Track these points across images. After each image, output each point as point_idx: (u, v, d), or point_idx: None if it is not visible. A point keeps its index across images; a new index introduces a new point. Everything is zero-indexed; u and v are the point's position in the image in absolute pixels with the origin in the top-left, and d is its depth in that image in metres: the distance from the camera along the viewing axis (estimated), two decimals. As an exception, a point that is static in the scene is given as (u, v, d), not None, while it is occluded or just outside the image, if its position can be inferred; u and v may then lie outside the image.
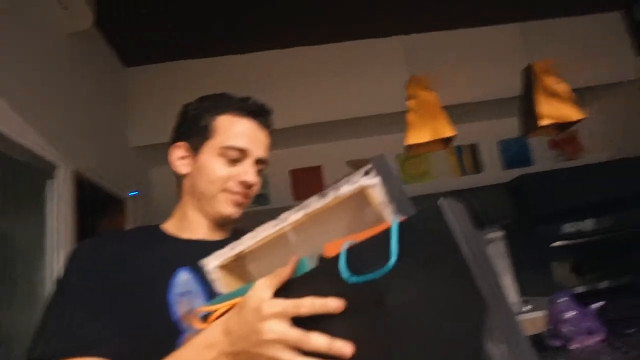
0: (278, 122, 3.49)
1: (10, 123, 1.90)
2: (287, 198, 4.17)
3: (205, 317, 0.65)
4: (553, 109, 1.83)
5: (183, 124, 0.97)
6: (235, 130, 0.90)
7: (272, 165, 4.30)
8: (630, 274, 3.63)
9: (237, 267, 0.73)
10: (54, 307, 0.76)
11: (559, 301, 2.06)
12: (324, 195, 0.60)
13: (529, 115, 1.95)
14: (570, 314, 1.93)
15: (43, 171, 2.19)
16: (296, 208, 0.64)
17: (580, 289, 3.64)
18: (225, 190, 0.90)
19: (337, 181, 0.62)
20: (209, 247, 0.80)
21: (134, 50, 3.42)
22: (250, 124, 0.93)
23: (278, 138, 3.57)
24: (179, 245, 0.91)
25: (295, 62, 3.72)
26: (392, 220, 0.56)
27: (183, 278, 0.83)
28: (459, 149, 4.40)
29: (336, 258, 0.53)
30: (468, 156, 4.41)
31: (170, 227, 0.96)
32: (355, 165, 4.25)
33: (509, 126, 3.72)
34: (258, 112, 0.93)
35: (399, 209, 0.60)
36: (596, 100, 4.26)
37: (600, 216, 3.77)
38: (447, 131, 1.87)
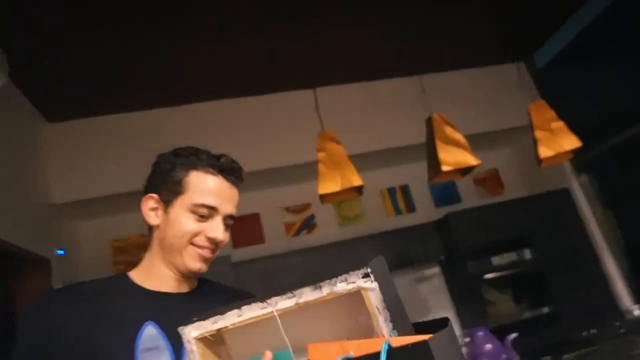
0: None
1: None
2: (228, 246, 4.14)
3: None
4: (451, 156, 2.00)
5: (155, 176, 0.97)
6: (206, 188, 0.92)
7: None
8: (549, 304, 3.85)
9: (215, 340, 0.71)
10: None
11: (478, 334, 2.16)
12: (318, 288, 0.58)
13: (432, 161, 2.11)
14: (488, 347, 2.04)
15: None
16: (288, 294, 0.62)
17: (518, 317, 3.82)
18: (192, 244, 0.92)
19: (333, 276, 0.61)
20: (175, 300, 0.87)
21: (54, 105, 3.37)
22: (221, 182, 0.94)
23: None
24: (146, 298, 0.91)
25: (218, 114, 3.81)
26: (384, 332, 0.56)
27: (149, 333, 0.85)
28: (392, 190, 4.59)
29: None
30: (400, 197, 4.60)
31: (137, 276, 0.96)
32: (293, 210, 4.32)
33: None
34: (229, 171, 0.95)
35: (392, 317, 0.60)
36: (509, 142, 4.64)
37: (524, 248, 4.02)
38: (355, 180, 1.99)
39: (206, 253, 0.93)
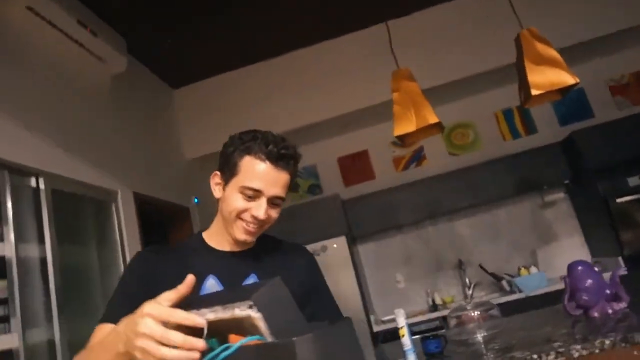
0: (319, 114, 3.63)
1: (68, 166, 2.34)
2: (338, 184, 4.37)
3: None
4: (543, 77, 1.77)
5: (222, 156, 1.11)
6: (254, 173, 1.03)
7: (321, 156, 4.48)
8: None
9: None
10: (114, 293, 1.09)
11: (577, 268, 2.02)
12: (224, 309, 0.67)
13: (522, 83, 1.90)
14: (588, 283, 1.89)
15: (104, 198, 2.63)
16: (213, 309, 0.69)
17: None
18: (240, 219, 1.06)
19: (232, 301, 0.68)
20: (234, 258, 1.11)
21: (177, 73, 3.83)
22: (269, 168, 1.03)
23: (323, 128, 3.73)
24: (211, 254, 1.11)
25: (322, 58, 3.88)
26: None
27: (210, 283, 1.05)
28: (508, 112, 4.24)
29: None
30: (518, 118, 4.23)
31: (207, 236, 1.16)
32: (397, 144, 4.30)
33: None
34: (277, 157, 1.03)
35: (285, 334, 0.65)
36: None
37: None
38: (430, 117, 1.90)
39: (251, 228, 1.06)
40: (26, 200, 2.02)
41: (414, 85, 1.98)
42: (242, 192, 1.04)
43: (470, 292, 3.50)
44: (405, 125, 1.93)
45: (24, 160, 2.05)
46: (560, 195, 4.03)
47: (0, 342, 1.72)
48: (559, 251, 3.93)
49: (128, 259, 2.65)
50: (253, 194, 1.04)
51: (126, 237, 2.69)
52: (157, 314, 0.67)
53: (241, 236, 1.08)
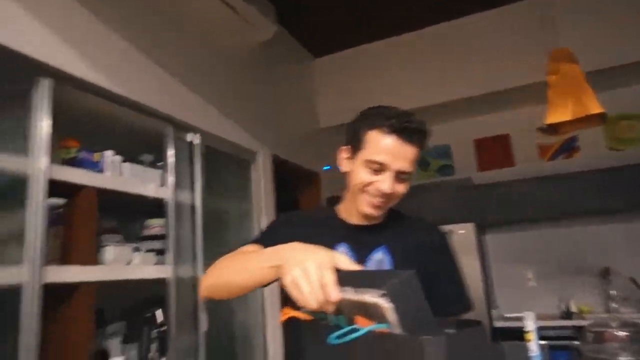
0: (459, 92, 3.48)
1: (218, 125, 2.59)
2: (471, 168, 4.14)
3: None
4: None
5: (348, 132, 1.15)
6: (379, 147, 1.04)
7: (456, 136, 4.32)
8: None
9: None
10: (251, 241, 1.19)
11: None
12: (355, 292, 0.68)
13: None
14: None
15: (246, 157, 2.88)
16: (344, 288, 0.70)
17: None
18: (365, 192, 1.08)
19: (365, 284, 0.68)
20: (363, 231, 1.14)
21: (320, 42, 3.93)
22: (394, 141, 1.03)
23: (461, 107, 3.58)
24: (341, 227, 1.16)
25: (466, 33, 3.63)
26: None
27: (341, 250, 1.11)
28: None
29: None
30: None
31: (341, 210, 1.20)
32: (545, 131, 3.89)
33: None
34: (402, 130, 1.03)
35: (413, 330, 0.65)
36: None
37: None
38: (592, 107, 1.63)
39: (376, 201, 1.08)
40: (183, 153, 2.30)
41: (575, 67, 1.74)
42: (367, 166, 1.06)
43: (616, 306, 3.09)
44: (560, 113, 1.72)
45: (185, 118, 2.32)
46: None
47: (159, 271, 2.03)
48: None
49: (262, 214, 2.89)
50: (378, 168, 1.05)
51: (262, 194, 2.92)
52: (328, 264, 0.71)
53: (367, 210, 1.10)
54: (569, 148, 3.85)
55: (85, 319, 1.67)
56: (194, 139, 2.36)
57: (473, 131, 4.18)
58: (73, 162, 1.72)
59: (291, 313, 0.77)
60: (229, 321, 2.55)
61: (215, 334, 2.31)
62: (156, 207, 2.16)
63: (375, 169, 1.05)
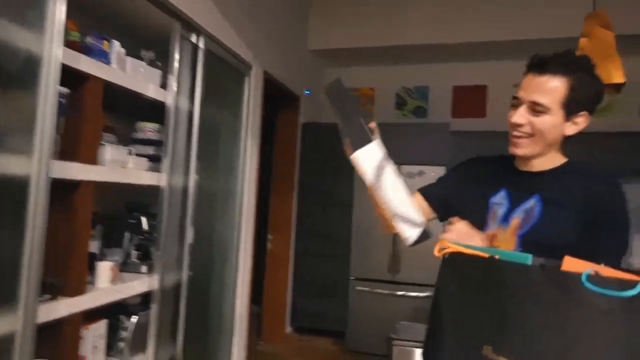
0: (454, 36, 3.45)
1: (222, 30, 2.39)
2: (446, 114, 4.24)
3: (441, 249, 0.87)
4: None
5: None
6: (520, 85, 1.09)
7: (435, 79, 4.34)
8: None
9: None
10: (442, 176, 1.34)
11: None
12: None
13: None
14: None
15: (242, 70, 2.71)
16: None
17: None
18: (511, 131, 1.11)
19: None
20: (524, 177, 1.14)
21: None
22: (528, 75, 1.06)
23: (441, 53, 3.57)
24: (509, 171, 1.18)
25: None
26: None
27: (501, 194, 1.15)
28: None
29: (577, 274, 0.64)
30: (667, 97, 3.79)
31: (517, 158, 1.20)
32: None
33: None
34: (537, 62, 1.06)
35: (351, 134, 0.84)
36: None
37: None
38: (617, 76, 1.71)
39: (514, 138, 1.09)
40: (187, 55, 2.11)
41: (608, 34, 1.78)
42: (512, 105, 1.09)
43: None
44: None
45: (194, 16, 2.11)
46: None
47: (153, 178, 1.93)
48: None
49: (250, 127, 2.81)
50: (517, 103, 1.07)
51: (251, 108, 2.82)
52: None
53: (510, 148, 1.12)
54: (539, 109, 4.03)
55: (85, 219, 1.58)
56: (199, 41, 2.16)
57: (454, 77, 4.22)
58: (81, 49, 1.52)
59: (455, 248, 0.78)
60: (209, 236, 2.53)
61: (197, 247, 2.29)
62: (149, 110, 2.01)
63: (515, 104, 1.08)
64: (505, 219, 1.11)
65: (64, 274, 1.51)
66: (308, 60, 3.97)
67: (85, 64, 1.50)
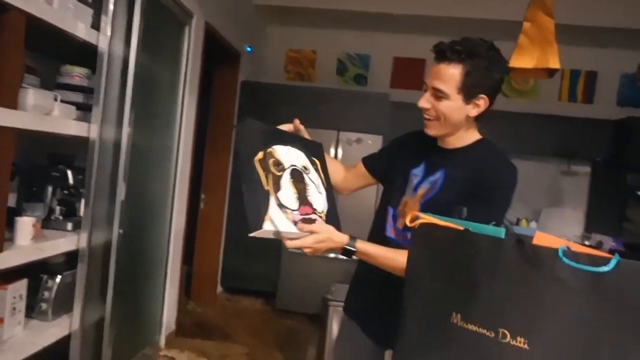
0: (391, 7, 3.46)
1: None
2: (384, 84, 4.30)
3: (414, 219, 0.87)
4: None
5: None
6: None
7: (378, 49, 4.36)
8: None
9: None
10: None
11: (610, 244, 2.17)
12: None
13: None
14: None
15: (182, 19, 2.53)
16: None
17: None
18: None
19: None
20: (440, 153, 1.23)
21: None
22: (434, 63, 1.15)
23: (384, 22, 3.58)
24: (432, 148, 1.26)
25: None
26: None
27: (420, 167, 1.25)
28: (576, 73, 4.12)
29: (552, 249, 0.66)
30: (582, 83, 4.14)
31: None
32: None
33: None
34: (439, 51, 1.13)
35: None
36: None
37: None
38: (553, 62, 1.84)
39: (424, 119, 1.19)
40: (122, -5, 1.92)
41: (550, 22, 1.89)
42: (423, 89, 1.20)
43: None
44: (525, 60, 1.88)
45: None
46: (586, 169, 4.14)
47: (82, 129, 1.77)
48: (558, 217, 4.15)
49: (188, 81, 2.66)
50: (425, 88, 1.18)
51: (191, 61, 2.66)
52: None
53: (424, 129, 1.21)
54: (471, 86, 4.23)
55: (4, 170, 1.42)
56: (137, -21, 1.97)
57: (395, 48, 4.27)
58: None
59: (428, 219, 0.78)
60: (143, 193, 2.40)
61: (129, 205, 2.17)
62: (77, 53, 1.82)
63: (425, 88, 1.18)
64: (416, 188, 1.23)
65: (-22, 229, 1.37)
66: (252, 15, 3.79)
67: (6, -9, 1.31)
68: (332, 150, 3.64)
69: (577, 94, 4.15)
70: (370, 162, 1.42)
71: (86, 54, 1.78)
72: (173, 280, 2.84)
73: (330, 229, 1.11)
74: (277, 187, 1.03)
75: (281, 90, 3.90)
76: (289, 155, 1.11)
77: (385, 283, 1.14)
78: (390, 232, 1.27)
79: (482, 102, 1.13)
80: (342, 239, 1.11)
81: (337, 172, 1.41)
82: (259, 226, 0.95)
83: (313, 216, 1.10)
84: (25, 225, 1.59)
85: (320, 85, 4.25)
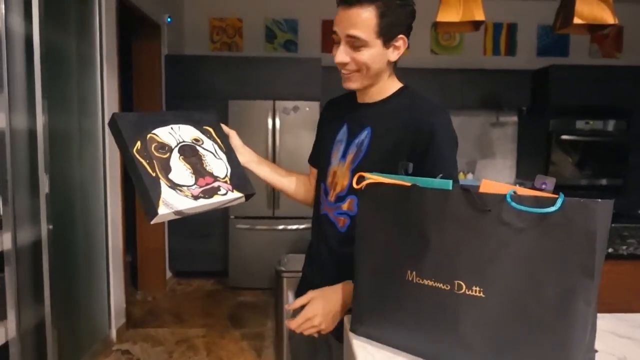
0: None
1: None
2: (315, 48, 4.22)
3: (360, 180, 0.82)
4: (589, 9, 1.81)
5: None
6: (334, 21, 1.03)
7: (305, 13, 4.25)
8: (623, 177, 3.91)
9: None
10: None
11: (542, 187, 2.31)
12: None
13: (565, 9, 1.93)
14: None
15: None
16: None
17: (577, 182, 3.97)
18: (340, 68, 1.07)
19: None
20: (361, 110, 1.13)
21: None
22: (340, 9, 1.01)
23: None
24: (351, 106, 1.16)
25: None
26: None
27: (343, 130, 1.15)
28: (498, 26, 4.27)
29: (499, 195, 0.67)
30: (504, 36, 4.30)
31: (357, 92, 1.16)
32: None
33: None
34: None
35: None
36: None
37: (616, 119, 3.88)
38: (477, 14, 1.87)
39: (344, 74, 1.07)
40: (15, -38, 1.69)
41: (472, -28, 1.90)
42: (334, 42, 1.06)
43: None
44: (451, 14, 1.89)
45: None
46: (513, 118, 4.36)
47: (-12, 117, 1.58)
48: (492, 167, 4.38)
49: (105, 57, 2.46)
50: (337, 40, 1.04)
51: (105, 34, 2.45)
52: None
53: (343, 84, 1.09)
54: (401, 45, 4.26)
55: None
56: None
57: (323, 11, 4.18)
58: None
59: (374, 178, 0.74)
60: (70, 183, 2.22)
61: (57, 197, 2.00)
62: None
63: (336, 41, 1.05)
64: (344, 155, 1.12)
65: None
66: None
67: None
68: (270, 121, 3.56)
69: (500, 47, 4.31)
70: (313, 159, 1.30)
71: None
72: (116, 271, 2.70)
73: (316, 292, 1.04)
74: (165, 171, 0.99)
75: (209, 61, 3.72)
76: (174, 135, 1.06)
77: (341, 255, 1.10)
78: (324, 209, 1.17)
79: (402, 43, 1.04)
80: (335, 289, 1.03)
81: (296, 185, 1.32)
82: (154, 213, 0.92)
83: (216, 184, 1.05)
84: None
85: (249, 54, 4.10)
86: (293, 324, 1.02)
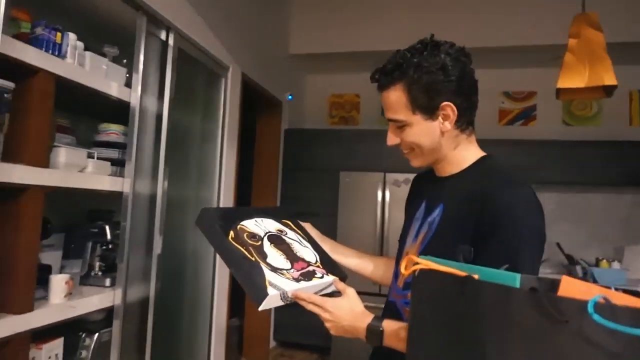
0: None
1: (195, 28, 2.27)
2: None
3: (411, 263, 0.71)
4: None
5: None
6: None
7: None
8: None
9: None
10: None
11: None
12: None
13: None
14: None
15: (217, 71, 2.59)
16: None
17: None
18: None
19: None
20: (437, 184, 1.03)
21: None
22: (380, 95, 1.01)
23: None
24: (430, 181, 1.08)
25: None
26: None
27: (421, 208, 1.05)
28: (646, 93, 3.75)
29: (578, 301, 0.49)
30: (655, 103, 3.75)
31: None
32: (513, 97, 3.94)
33: None
34: (374, 80, 1.01)
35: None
36: None
37: None
38: (608, 78, 1.62)
39: (404, 155, 1.03)
40: (154, 53, 1.98)
41: (598, 35, 1.69)
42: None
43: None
44: (575, 79, 1.68)
45: (161, 10, 1.98)
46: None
47: (115, 183, 1.78)
48: (646, 255, 3.65)
49: (226, 132, 2.69)
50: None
51: (228, 112, 2.69)
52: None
53: (410, 164, 1.05)
54: (527, 116, 3.97)
55: (33, 228, 1.42)
56: (169, 38, 2.04)
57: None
58: (28, 40, 1.38)
59: (426, 264, 0.63)
60: (181, 246, 2.38)
61: (168, 258, 2.14)
62: (114, 111, 1.88)
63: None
64: (417, 234, 1.02)
65: (7, 289, 1.36)
66: (289, 64, 3.86)
67: (33, 55, 1.37)
68: (380, 193, 3.49)
69: (649, 115, 3.75)
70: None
71: (125, 111, 1.83)
72: (219, 335, 2.75)
73: (348, 302, 0.99)
74: (262, 256, 0.97)
75: (324, 134, 3.87)
76: (259, 226, 1.07)
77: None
78: (392, 296, 1.06)
79: (450, 111, 0.93)
80: (364, 316, 0.95)
81: (374, 266, 1.23)
82: (264, 294, 0.87)
83: (310, 268, 1.02)
84: (58, 283, 1.58)
85: (363, 127, 4.18)
86: (304, 294, 0.94)
